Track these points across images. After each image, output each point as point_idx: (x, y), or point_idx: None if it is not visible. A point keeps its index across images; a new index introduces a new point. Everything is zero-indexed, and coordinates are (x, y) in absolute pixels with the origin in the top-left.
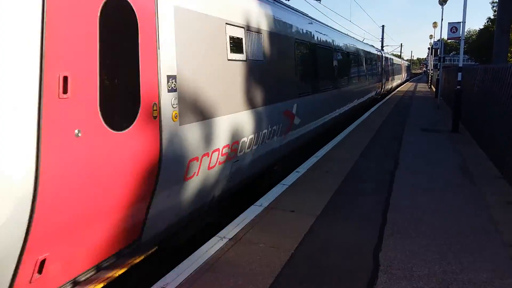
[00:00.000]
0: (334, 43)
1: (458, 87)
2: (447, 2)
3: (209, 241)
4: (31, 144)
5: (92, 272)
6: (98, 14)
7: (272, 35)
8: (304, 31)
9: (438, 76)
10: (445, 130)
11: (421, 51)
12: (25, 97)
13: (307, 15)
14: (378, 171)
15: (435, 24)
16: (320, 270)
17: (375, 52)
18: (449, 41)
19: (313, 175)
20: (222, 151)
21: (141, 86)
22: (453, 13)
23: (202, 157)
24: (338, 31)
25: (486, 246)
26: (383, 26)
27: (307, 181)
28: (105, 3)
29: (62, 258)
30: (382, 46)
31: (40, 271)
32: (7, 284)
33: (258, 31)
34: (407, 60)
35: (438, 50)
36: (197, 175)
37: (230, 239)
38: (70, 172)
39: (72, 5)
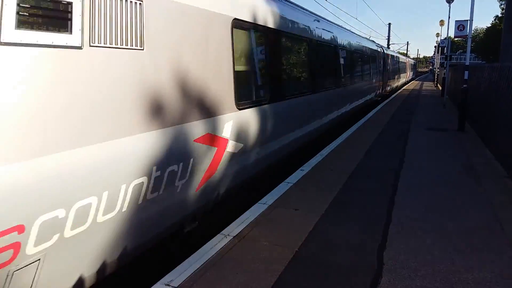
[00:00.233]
0: (307, 32)
1: (465, 85)
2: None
3: (214, 238)
4: None
5: None
6: None
7: None
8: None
9: (444, 74)
10: (451, 129)
11: (428, 49)
12: None
13: None
14: (383, 170)
15: (442, 22)
16: (324, 268)
17: (375, 48)
18: (456, 39)
19: (317, 173)
20: None
21: None
22: (459, 11)
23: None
24: (320, 16)
25: (491, 246)
26: (389, 24)
27: (311, 179)
28: None
29: None
30: (388, 44)
31: None
32: None
33: None
34: (413, 58)
35: (445, 48)
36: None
37: (234, 237)
38: None
39: None
